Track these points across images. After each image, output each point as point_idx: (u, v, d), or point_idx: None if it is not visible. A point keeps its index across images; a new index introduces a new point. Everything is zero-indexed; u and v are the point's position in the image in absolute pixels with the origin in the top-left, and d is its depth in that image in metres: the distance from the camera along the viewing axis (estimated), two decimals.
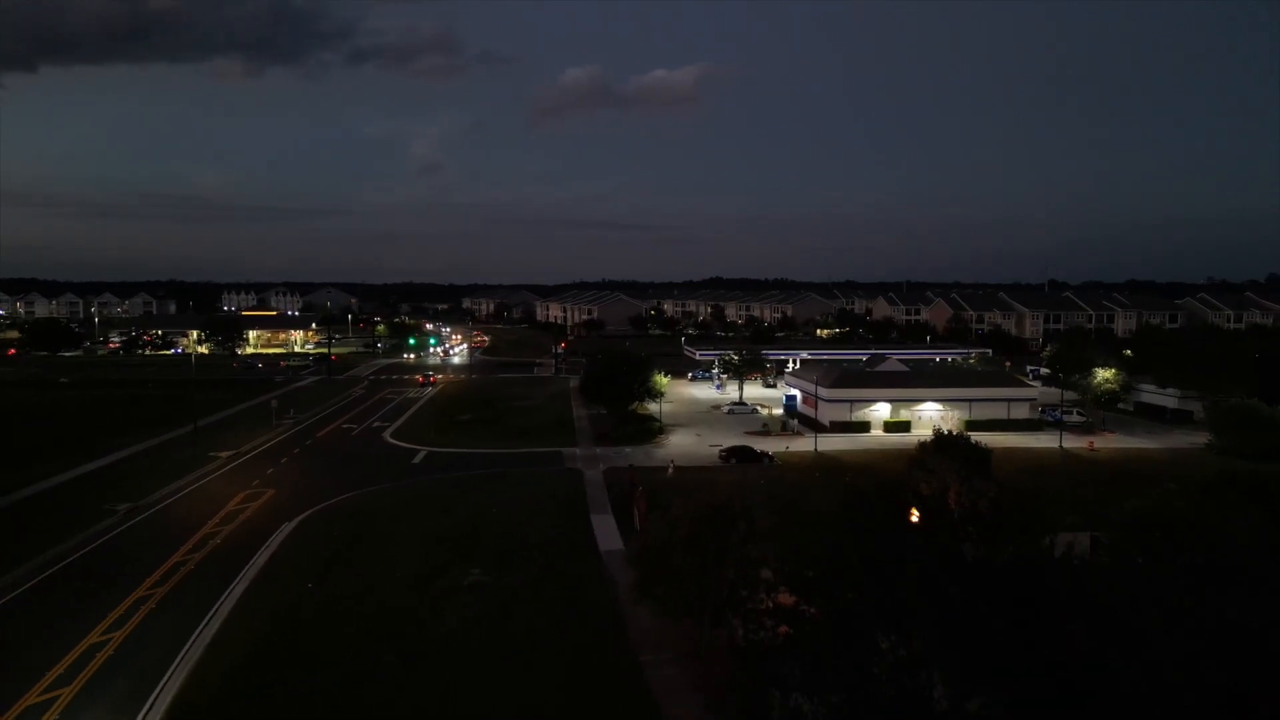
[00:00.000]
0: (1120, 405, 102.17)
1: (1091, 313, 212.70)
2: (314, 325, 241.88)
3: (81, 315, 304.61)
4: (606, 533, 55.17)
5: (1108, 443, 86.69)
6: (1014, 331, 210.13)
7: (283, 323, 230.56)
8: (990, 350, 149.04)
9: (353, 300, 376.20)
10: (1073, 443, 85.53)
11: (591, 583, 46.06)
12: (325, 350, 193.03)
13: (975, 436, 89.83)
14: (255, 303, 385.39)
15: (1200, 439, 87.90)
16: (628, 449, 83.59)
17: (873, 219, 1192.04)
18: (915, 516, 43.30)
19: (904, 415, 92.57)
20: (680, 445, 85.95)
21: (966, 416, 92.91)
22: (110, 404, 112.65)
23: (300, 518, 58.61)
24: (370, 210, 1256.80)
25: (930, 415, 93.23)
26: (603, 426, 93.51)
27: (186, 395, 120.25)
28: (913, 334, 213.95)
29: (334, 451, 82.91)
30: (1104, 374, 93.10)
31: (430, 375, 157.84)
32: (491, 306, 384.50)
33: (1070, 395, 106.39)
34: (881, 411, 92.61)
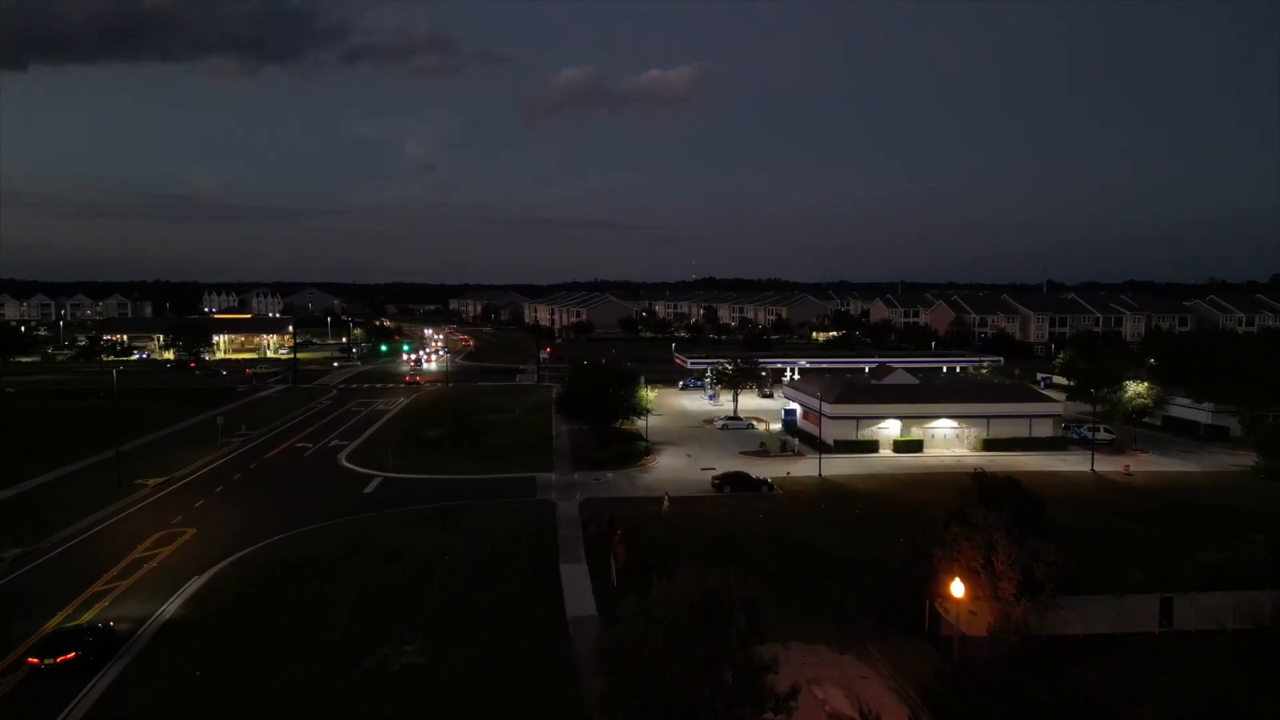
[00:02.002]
0: (1146, 419, 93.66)
1: (1099, 315, 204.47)
2: (290, 328, 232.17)
3: (53, 317, 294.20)
4: (577, 589, 46.22)
5: (1142, 465, 78.11)
6: (1018, 335, 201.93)
7: (256, 326, 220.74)
8: (1001, 358, 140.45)
9: (336, 302, 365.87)
10: (1104, 465, 76.93)
11: (553, 668, 37.09)
12: (305, 357, 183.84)
13: (994, 457, 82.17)
14: (236, 304, 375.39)
15: (1241, 459, 79.78)
16: (609, 474, 74.64)
17: (867, 219, 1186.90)
18: (960, 590, 34.44)
19: (915, 433, 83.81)
20: (669, 468, 77.05)
21: (984, 435, 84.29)
22: (49, 418, 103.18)
23: (216, 569, 49.49)
24: (364, 210, 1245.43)
25: (944, 433, 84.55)
26: (583, 446, 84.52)
27: (136, 408, 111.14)
28: (912, 337, 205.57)
29: (279, 477, 73.74)
30: (1136, 388, 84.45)
31: (417, 376, 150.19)
32: (479, 308, 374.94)
33: (1078, 405, 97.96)
34: (891, 429, 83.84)
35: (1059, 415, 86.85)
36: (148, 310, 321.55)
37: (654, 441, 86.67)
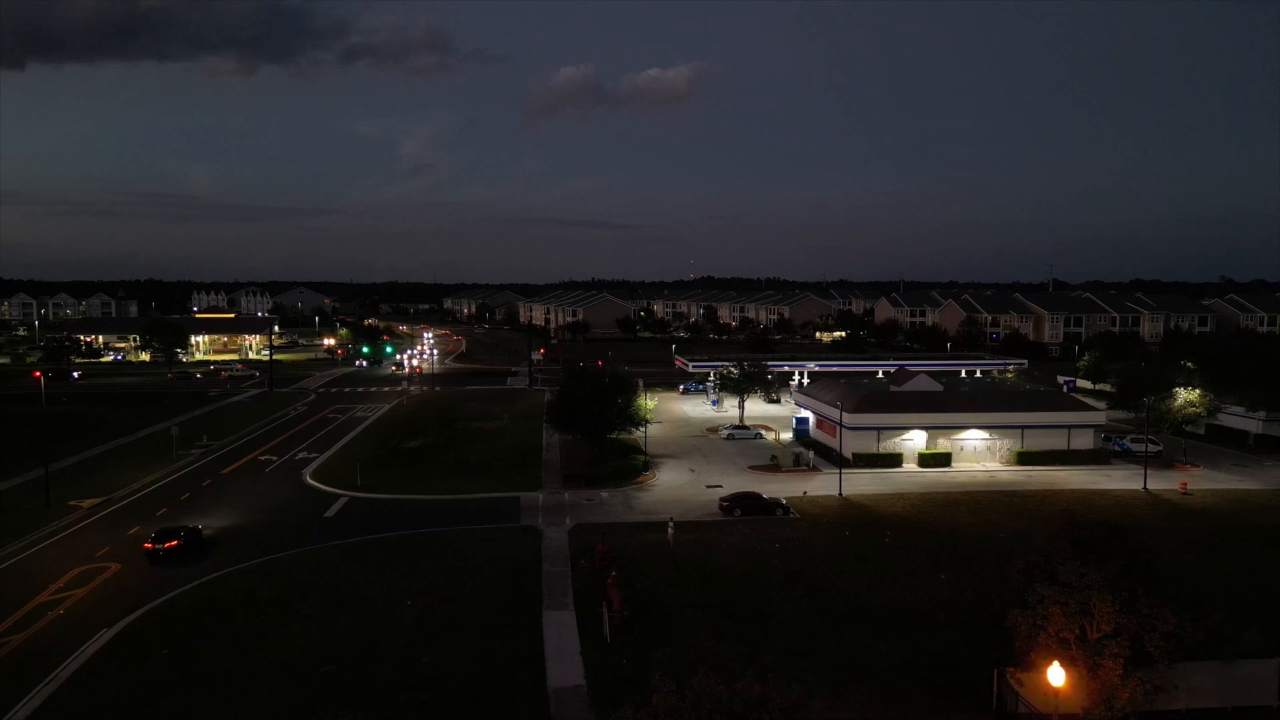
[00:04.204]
0: (1188, 428, 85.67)
1: (1115, 315, 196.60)
2: (275, 328, 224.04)
3: (34, 317, 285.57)
4: (562, 648, 38.14)
5: (1196, 481, 70.10)
6: (1031, 335, 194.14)
7: (237, 326, 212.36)
8: (1025, 361, 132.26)
9: (326, 300, 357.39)
10: (1155, 481, 68.90)
11: None
12: (283, 358, 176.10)
13: (1031, 473, 74.12)
14: (225, 303, 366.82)
15: None
16: (604, 493, 66.61)
17: (866, 218, 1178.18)
18: (1060, 677, 26.32)
19: (943, 446, 75.86)
20: (671, 486, 69.04)
21: (1018, 447, 76.37)
22: None
23: (129, 619, 41.35)
24: (360, 209, 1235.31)
25: (975, 445, 76.64)
26: (576, 459, 76.49)
27: (92, 415, 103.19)
28: (921, 338, 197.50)
29: (232, 498, 65.54)
30: (1187, 395, 76.43)
31: (417, 366, 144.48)
32: (473, 307, 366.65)
33: (1119, 414, 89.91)
34: (915, 441, 75.89)
35: (1100, 425, 78.88)
36: (133, 310, 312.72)
37: (653, 454, 78.66)
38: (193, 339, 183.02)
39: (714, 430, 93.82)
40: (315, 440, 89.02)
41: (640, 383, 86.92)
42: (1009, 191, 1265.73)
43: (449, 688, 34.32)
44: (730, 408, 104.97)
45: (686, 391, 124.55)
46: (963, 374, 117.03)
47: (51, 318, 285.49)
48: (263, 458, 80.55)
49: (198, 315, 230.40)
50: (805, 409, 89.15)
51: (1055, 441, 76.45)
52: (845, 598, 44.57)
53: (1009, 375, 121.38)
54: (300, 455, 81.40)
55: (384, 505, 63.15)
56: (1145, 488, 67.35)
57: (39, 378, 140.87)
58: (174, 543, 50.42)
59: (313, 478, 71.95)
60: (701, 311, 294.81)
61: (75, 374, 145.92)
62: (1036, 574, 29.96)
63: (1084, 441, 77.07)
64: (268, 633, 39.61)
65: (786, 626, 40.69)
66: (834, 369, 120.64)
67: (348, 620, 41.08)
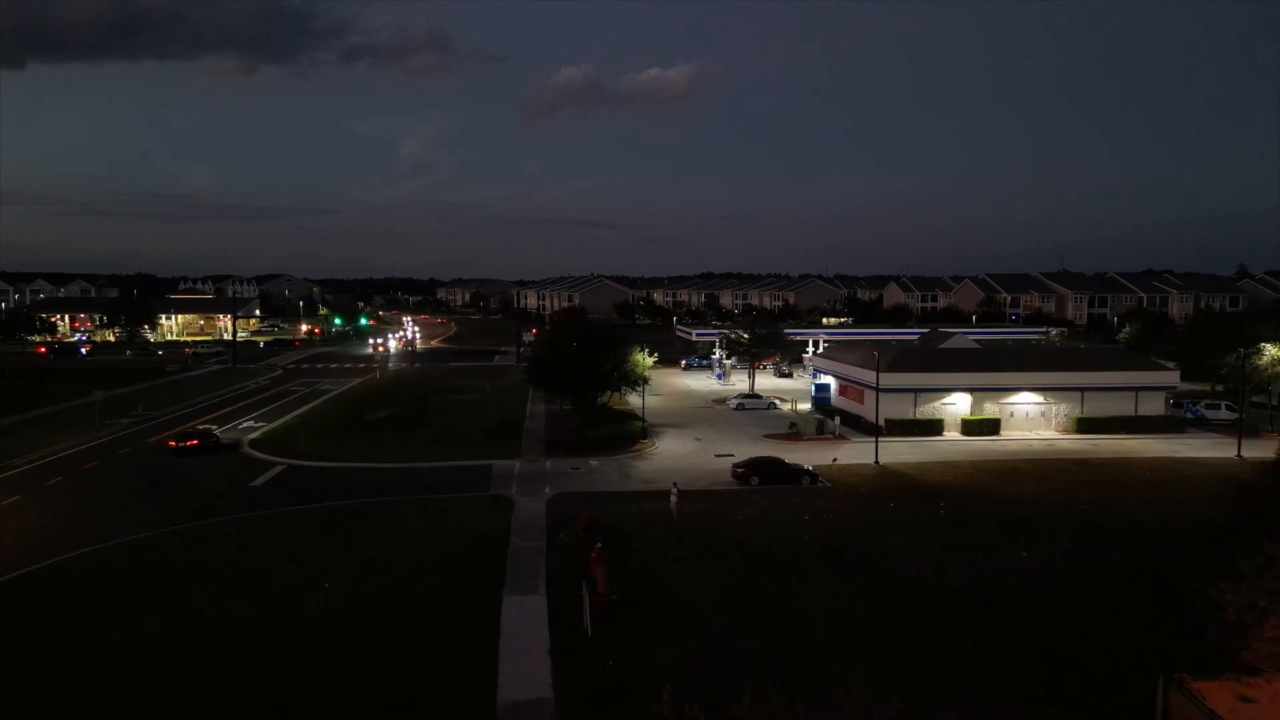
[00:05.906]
0: (1256, 399, 75.16)
1: (1142, 295, 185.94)
2: (257, 312, 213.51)
3: (10, 303, 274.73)
4: (525, 643, 27.38)
5: None
6: (1054, 315, 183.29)
7: (211, 306, 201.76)
8: (1065, 329, 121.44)
9: (315, 289, 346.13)
10: (1247, 451, 58.05)
11: None
12: (258, 337, 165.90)
13: (1095, 441, 62.11)
14: (212, 293, 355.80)
15: None
16: (594, 461, 55.87)
17: (866, 218, 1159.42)
18: None
19: (990, 411, 65.14)
20: (673, 455, 58.32)
21: (1077, 412, 65.64)
22: None
23: None
24: (360, 209, 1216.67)
25: (1027, 410, 65.89)
26: (562, 428, 65.72)
27: (25, 388, 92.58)
28: (935, 322, 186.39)
29: (147, 465, 54.97)
30: (1275, 351, 65.61)
31: (414, 341, 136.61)
32: (466, 296, 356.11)
33: (1158, 380, 79.14)
34: (958, 406, 65.18)
35: (1173, 387, 68.19)
36: (113, 295, 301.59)
37: (653, 424, 67.86)
38: (164, 320, 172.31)
39: (721, 401, 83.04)
40: (266, 411, 78.23)
41: (639, 346, 76.19)
42: (1009, 191, 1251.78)
43: (352, 698, 23.60)
44: (737, 381, 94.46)
45: (689, 367, 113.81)
46: (993, 339, 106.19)
47: (28, 303, 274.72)
48: (202, 427, 69.61)
49: (171, 298, 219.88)
50: (825, 374, 78.34)
51: (1121, 406, 65.65)
52: (900, 578, 33.89)
53: (1054, 340, 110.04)
54: (245, 424, 70.67)
55: (327, 474, 52.39)
56: (1240, 454, 56.52)
57: (44, 353, 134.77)
58: (194, 442, 57.85)
59: (251, 445, 61.20)
60: (703, 299, 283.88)
61: (83, 350, 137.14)
62: (1249, 526, 19.20)
63: (1154, 406, 66.38)
64: (119, 625, 28.91)
65: (826, 614, 30.08)
66: (858, 336, 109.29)
67: (241, 607, 30.38)
